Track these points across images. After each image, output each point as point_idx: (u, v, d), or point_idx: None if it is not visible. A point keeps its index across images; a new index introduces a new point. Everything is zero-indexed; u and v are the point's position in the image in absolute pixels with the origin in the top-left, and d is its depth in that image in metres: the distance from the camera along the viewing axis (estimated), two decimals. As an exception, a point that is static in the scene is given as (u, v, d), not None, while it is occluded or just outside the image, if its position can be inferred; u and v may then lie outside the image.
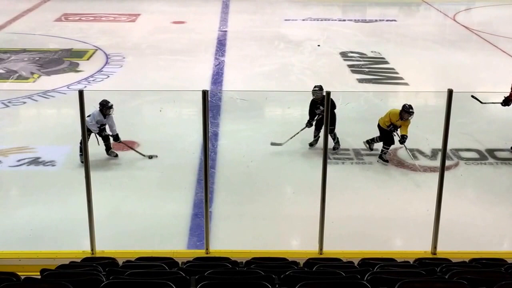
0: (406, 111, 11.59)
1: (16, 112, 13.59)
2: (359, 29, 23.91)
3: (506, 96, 12.78)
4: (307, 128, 12.35)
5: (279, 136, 12.67)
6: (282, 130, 13.16)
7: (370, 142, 12.34)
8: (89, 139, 11.00)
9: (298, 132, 12.32)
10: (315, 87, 12.29)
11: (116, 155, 12.01)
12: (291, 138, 12.34)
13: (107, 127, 11.77)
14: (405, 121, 11.68)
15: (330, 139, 12.01)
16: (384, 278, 6.09)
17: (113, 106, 11.63)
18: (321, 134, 12.16)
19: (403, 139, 11.77)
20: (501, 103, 12.80)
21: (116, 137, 11.80)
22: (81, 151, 11.20)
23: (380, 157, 12.08)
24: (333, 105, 11.65)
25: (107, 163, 11.87)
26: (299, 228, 9.79)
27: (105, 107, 11.52)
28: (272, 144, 12.43)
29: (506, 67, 18.83)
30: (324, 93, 11.71)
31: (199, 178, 11.15)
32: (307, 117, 12.32)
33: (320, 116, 12.11)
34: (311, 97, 12.26)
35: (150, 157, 11.93)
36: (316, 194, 8.38)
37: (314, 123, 12.33)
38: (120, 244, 9.00)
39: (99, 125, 11.59)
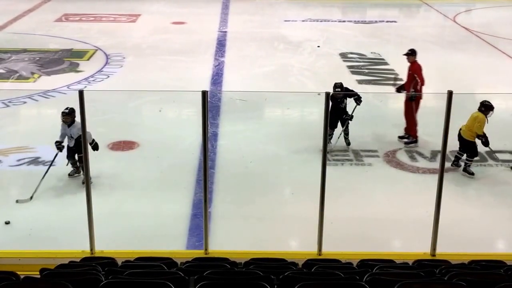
0: (490, 107, 11.36)
1: (17, 112, 13.65)
2: (359, 30, 23.93)
3: (402, 84, 13.25)
4: (350, 121, 12.36)
5: (278, 136, 12.68)
6: (281, 130, 13.19)
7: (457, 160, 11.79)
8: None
9: (344, 128, 12.37)
10: (335, 85, 12.28)
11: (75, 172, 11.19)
12: (340, 134, 12.42)
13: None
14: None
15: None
16: (383, 280, 6.12)
17: (73, 112, 10.62)
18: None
19: (487, 141, 11.45)
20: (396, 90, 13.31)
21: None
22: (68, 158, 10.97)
23: (465, 170, 11.63)
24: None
25: (106, 163, 11.89)
26: (298, 229, 9.80)
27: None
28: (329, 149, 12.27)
29: (506, 68, 18.89)
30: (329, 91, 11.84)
31: (198, 178, 11.19)
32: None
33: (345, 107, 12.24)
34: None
35: (7, 222, 9.97)
36: (315, 195, 8.42)
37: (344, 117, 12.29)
38: (119, 244, 9.02)
39: (62, 139, 10.83)
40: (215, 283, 5.94)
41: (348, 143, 12.59)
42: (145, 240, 9.32)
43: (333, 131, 12.45)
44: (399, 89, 13.36)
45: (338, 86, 12.22)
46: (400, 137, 13.01)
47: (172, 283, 5.76)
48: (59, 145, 10.77)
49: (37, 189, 10.58)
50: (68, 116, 10.67)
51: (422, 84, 12.79)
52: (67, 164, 11.08)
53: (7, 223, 9.92)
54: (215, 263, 7.28)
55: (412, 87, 12.83)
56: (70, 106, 10.64)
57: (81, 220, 8.70)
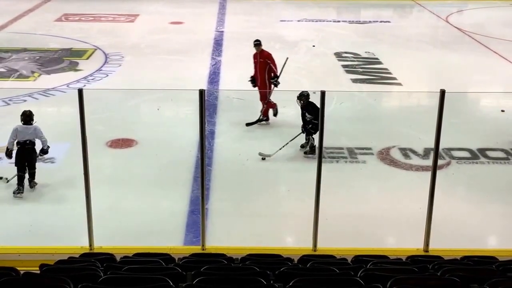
0: None
1: (17, 110, 13.63)
2: (353, 30, 24.04)
3: (252, 75, 13.93)
4: (302, 134, 12.34)
5: (274, 134, 12.80)
6: (277, 128, 13.31)
7: None
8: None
9: (292, 140, 12.32)
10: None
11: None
12: (283, 146, 12.28)
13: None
14: None
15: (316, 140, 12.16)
16: (377, 275, 6.22)
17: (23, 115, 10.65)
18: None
19: None
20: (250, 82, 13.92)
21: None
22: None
23: None
24: (313, 109, 11.81)
25: (105, 160, 11.99)
26: (293, 225, 9.91)
27: None
28: (261, 155, 12.25)
29: (498, 67, 19.00)
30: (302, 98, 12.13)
31: (195, 176, 11.22)
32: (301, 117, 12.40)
33: (309, 121, 12.14)
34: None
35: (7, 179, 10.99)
36: (311, 192, 8.53)
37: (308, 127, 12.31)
38: (118, 240, 9.11)
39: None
40: (212, 278, 6.02)
41: (303, 146, 12.43)
42: (143, 236, 9.40)
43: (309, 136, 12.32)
44: (253, 81, 13.88)
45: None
46: (259, 121, 13.75)
47: (169, 278, 5.85)
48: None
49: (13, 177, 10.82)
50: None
51: (276, 67, 13.67)
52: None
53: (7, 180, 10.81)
54: (212, 259, 7.35)
55: (267, 72, 13.64)
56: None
57: (80, 217, 8.79)
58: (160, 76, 17.40)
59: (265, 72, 13.67)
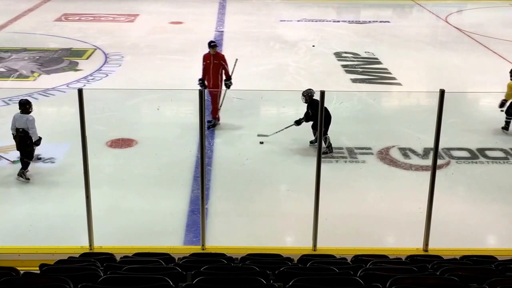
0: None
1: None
2: (353, 30, 24.07)
3: (201, 78, 13.78)
4: (295, 126, 12.45)
5: (274, 134, 12.80)
6: (276, 128, 13.29)
7: None
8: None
9: (287, 127, 12.46)
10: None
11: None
12: (280, 131, 12.46)
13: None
14: None
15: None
16: (376, 275, 6.21)
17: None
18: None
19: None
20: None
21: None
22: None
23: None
24: (316, 106, 11.54)
25: (105, 160, 12.01)
26: (293, 225, 9.92)
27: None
28: (259, 135, 12.51)
29: (497, 68, 18.98)
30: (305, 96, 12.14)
31: (195, 175, 11.26)
32: (301, 116, 12.42)
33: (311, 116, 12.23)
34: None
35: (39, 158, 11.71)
36: (310, 192, 8.52)
37: (306, 122, 12.39)
38: (118, 240, 9.12)
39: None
40: (212, 278, 6.01)
41: (312, 142, 12.62)
42: (143, 236, 9.41)
43: (316, 132, 12.31)
44: (202, 83, 13.78)
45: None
46: (209, 121, 13.68)
47: (169, 278, 5.84)
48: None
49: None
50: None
51: (228, 68, 13.75)
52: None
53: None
54: (212, 259, 7.35)
55: (220, 74, 13.69)
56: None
57: (80, 216, 8.80)
58: (160, 76, 17.43)
59: (218, 74, 13.66)
